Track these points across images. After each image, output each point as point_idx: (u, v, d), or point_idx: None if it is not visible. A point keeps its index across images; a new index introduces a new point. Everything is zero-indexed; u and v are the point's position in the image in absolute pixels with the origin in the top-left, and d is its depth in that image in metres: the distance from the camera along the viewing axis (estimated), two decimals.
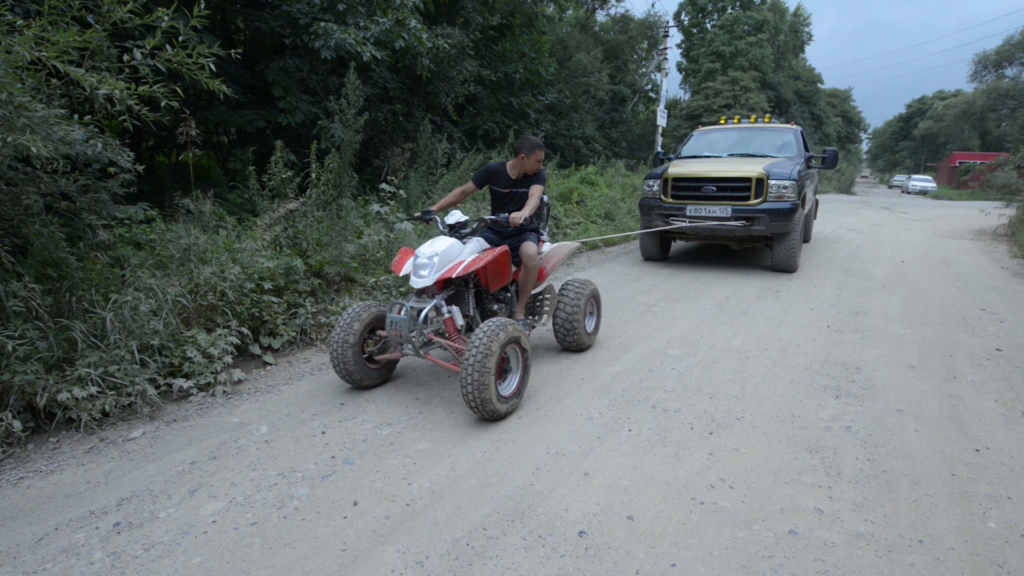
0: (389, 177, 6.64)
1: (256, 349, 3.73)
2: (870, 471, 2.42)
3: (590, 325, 4.00)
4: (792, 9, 42.18)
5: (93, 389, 2.79)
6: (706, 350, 3.97)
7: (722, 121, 8.94)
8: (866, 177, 73.72)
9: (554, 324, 3.84)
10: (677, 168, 6.96)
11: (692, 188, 6.63)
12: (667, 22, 24.78)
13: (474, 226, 3.40)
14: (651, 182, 7.09)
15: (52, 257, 3.02)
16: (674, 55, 38.35)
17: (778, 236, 6.48)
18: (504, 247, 3.36)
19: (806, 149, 7.88)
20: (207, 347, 3.31)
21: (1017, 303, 5.35)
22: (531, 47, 13.31)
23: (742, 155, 7.47)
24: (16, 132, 2.54)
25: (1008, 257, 8.20)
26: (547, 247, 3.89)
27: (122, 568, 1.84)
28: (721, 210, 6.41)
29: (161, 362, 3.16)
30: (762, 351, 3.95)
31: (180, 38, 3.24)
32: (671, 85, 37.08)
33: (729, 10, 37.28)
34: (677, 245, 8.79)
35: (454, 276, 3.05)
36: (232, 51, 3.49)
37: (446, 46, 8.04)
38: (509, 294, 3.67)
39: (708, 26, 38.32)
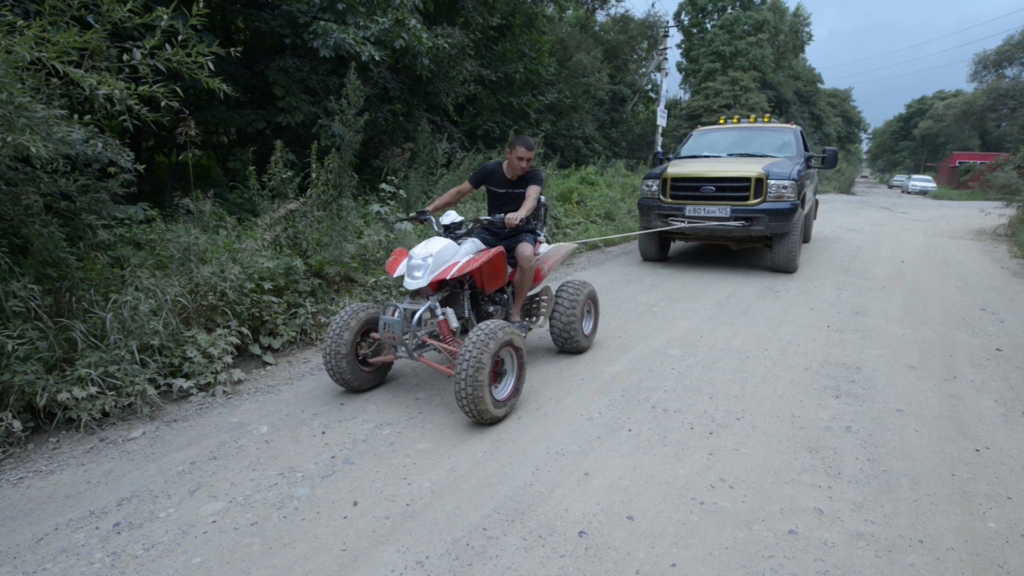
0: (389, 177, 6.64)
1: (256, 349, 3.73)
2: (870, 471, 2.42)
3: (587, 327, 3.98)
4: (792, 9, 42.21)
5: (93, 389, 2.79)
6: (706, 350, 3.97)
7: (721, 121, 8.93)
8: (866, 177, 73.70)
9: (551, 326, 3.81)
10: (676, 168, 6.95)
11: (691, 188, 6.62)
12: (667, 22, 24.82)
13: (469, 227, 3.38)
14: (650, 182, 7.08)
15: (52, 257, 3.02)
16: (674, 55, 38.39)
17: (778, 236, 6.47)
18: (499, 248, 3.33)
19: (806, 149, 7.88)
20: (207, 347, 3.31)
21: (1017, 303, 5.35)
22: (531, 47, 13.31)
23: (741, 155, 7.46)
24: (16, 132, 2.54)
25: (1008, 257, 8.21)
26: (544, 248, 3.86)
27: (122, 568, 1.84)
28: (720, 210, 6.40)
29: (161, 362, 3.16)
30: (762, 351, 3.95)
31: (179, 37, 3.24)
32: (671, 85, 37.11)
33: (729, 10, 37.29)
34: (676, 245, 8.79)
35: (449, 277, 3.02)
36: (232, 50, 3.48)
37: (446, 46, 8.03)
38: (505, 296, 3.65)
39: (708, 26, 38.34)
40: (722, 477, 2.36)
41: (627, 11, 26.00)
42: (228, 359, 3.36)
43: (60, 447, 2.62)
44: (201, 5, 3.23)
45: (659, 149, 10.78)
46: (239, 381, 3.41)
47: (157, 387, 3.06)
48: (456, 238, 3.32)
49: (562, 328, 3.74)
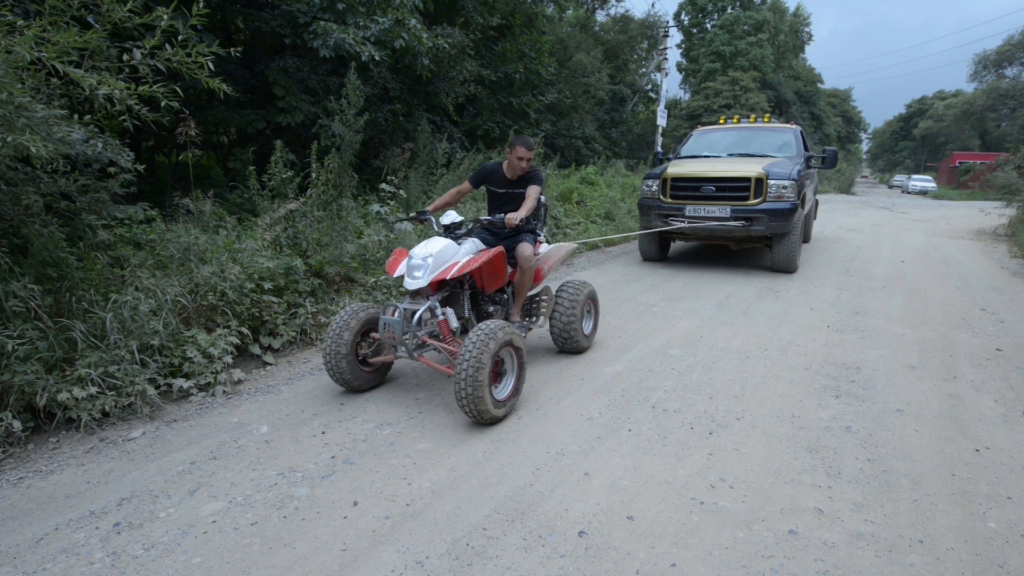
0: (389, 177, 6.65)
1: (256, 349, 3.73)
2: (870, 471, 2.42)
3: (587, 327, 3.97)
4: (792, 9, 42.22)
5: (93, 389, 2.79)
6: (706, 350, 3.97)
7: (721, 121, 8.93)
8: (866, 177, 73.69)
9: (551, 326, 3.80)
10: (676, 168, 6.95)
11: (691, 188, 6.61)
12: (667, 22, 24.75)
13: (469, 227, 3.37)
14: (650, 182, 7.07)
15: (52, 257, 3.02)
16: (674, 55, 38.42)
17: (777, 236, 6.47)
18: (499, 248, 3.33)
19: (806, 149, 7.87)
20: (207, 347, 3.31)
21: (1017, 303, 5.35)
22: (531, 47, 13.31)
23: (741, 155, 7.46)
24: (16, 132, 2.54)
25: (1008, 257, 8.21)
26: (544, 248, 3.85)
27: (122, 568, 1.84)
28: (720, 210, 6.40)
29: (161, 362, 3.16)
30: (762, 351, 3.95)
31: (179, 37, 3.24)
32: (671, 85, 37.13)
33: (729, 10, 37.31)
34: (676, 245, 8.78)
35: (448, 277, 3.02)
36: (232, 50, 3.48)
37: (446, 46, 8.03)
38: (505, 296, 3.64)
39: (708, 26, 38.35)
40: (722, 477, 2.36)
41: (627, 11, 26.01)
42: (228, 359, 3.36)
43: (60, 447, 2.62)
44: (201, 5, 3.23)
45: (659, 149, 10.78)
46: (239, 381, 3.41)
47: (157, 387, 3.06)
48: (456, 238, 3.31)
49: (562, 328, 3.74)
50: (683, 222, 6.65)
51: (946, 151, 47.56)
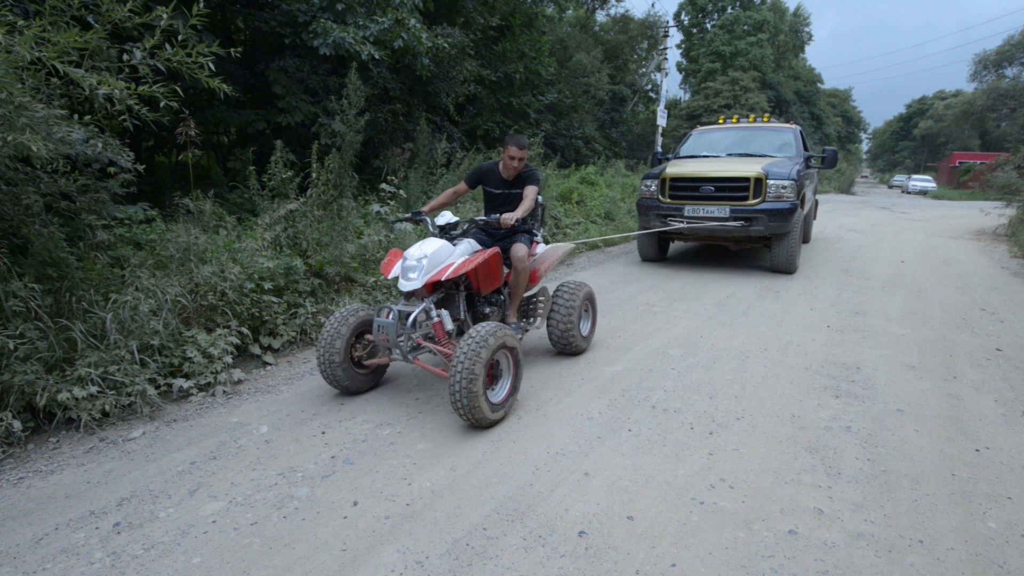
0: (389, 177, 6.65)
1: (256, 349, 3.73)
2: (870, 471, 2.42)
3: (585, 328, 3.95)
4: (792, 9, 42.23)
5: (93, 389, 2.79)
6: (706, 350, 3.97)
7: (720, 121, 8.92)
8: (866, 177, 73.71)
9: (548, 327, 3.77)
10: (675, 168, 6.94)
11: (690, 188, 6.60)
12: (667, 22, 24.76)
13: (465, 227, 3.33)
14: (648, 182, 7.06)
15: (52, 257, 3.02)
16: (674, 55, 38.42)
17: (777, 236, 6.46)
18: (495, 249, 3.29)
19: (805, 149, 7.87)
20: (207, 347, 3.31)
21: (1017, 303, 5.35)
22: (531, 47, 13.31)
23: (741, 155, 7.45)
24: (16, 132, 2.54)
25: (1008, 257, 8.21)
26: (541, 248, 3.82)
27: (122, 568, 1.84)
28: (719, 210, 6.39)
29: (161, 362, 3.16)
30: (762, 351, 3.95)
31: (179, 37, 3.24)
32: (671, 85, 37.13)
33: (729, 10, 37.31)
34: (676, 245, 8.78)
35: (444, 279, 2.98)
36: (232, 50, 3.48)
37: (446, 46, 8.03)
38: (502, 297, 3.60)
39: (708, 26, 38.35)
40: (722, 477, 2.36)
41: (627, 11, 26.01)
42: (228, 359, 3.36)
43: (60, 447, 2.62)
44: (201, 5, 3.23)
45: (659, 149, 10.79)
46: (239, 381, 3.41)
47: (157, 387, 3.06)
48: (452, 239, 3.28)
49: (559, 329, 3.71)
50: (682, 222, 6.63)
51: (946, 151, 47.58)
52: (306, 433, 2.78)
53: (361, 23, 6.77)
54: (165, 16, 3.04)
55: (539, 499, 2.21)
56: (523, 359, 3.01)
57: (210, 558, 1.89)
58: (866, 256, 8.09)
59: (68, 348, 2.90)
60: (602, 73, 19.06)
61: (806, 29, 44.29)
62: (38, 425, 2.73)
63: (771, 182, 6.24)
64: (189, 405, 3.08)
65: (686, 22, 39.86)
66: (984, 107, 39.66)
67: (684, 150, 8.14)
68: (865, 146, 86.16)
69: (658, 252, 7.41)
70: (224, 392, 3.23)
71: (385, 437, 2.73)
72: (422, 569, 1.83)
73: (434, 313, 3.05)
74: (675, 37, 38.37)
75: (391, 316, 2.91)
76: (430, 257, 2.96)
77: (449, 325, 3.11)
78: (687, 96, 37.25)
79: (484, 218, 3.27)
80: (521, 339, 3.53)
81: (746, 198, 6.27)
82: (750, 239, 6.67)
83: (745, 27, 35.48)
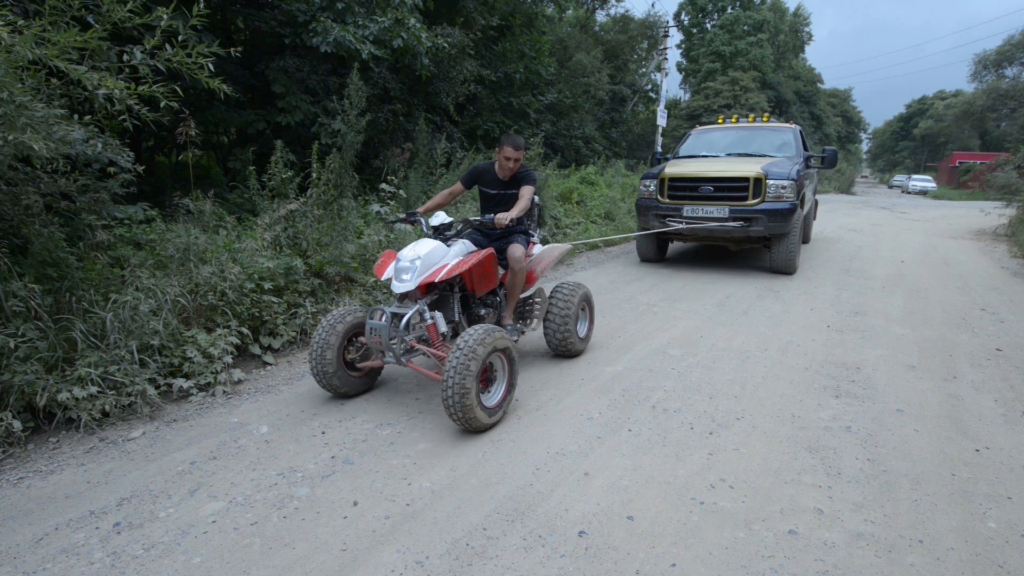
0: (389, 177, 6.65)
1: (256, 349, 3.73)
2: (870, 471, 2.42)
3: (582, 330, 3.93)
4: (792, 9, 42.23)
5: (93, 389, 2.79)
6: (706, 350, 3.97)
7: (720, 120, 8.91)
8: (866, 177, 73.71)
9: (545, 329, 3.74)
10: (674, 168, 6.92)
11: (689, 188, 6.58)
12: (667, 22, 24.77)
13: (459, 228, 3.29)
14: (648, 182, 7.04)
15: (52, 257, 3.02)
16: (674, 55, 38.43)
17: (777, 237, 6.44)
18: (490, 249, 3.25)
19: (805, 149, 7.86)
20: (207, 347, 3.31)
21: (1017, 303, 5.35)
22: (531, 47, 13.31)
23: (740, 155, 7.43)
24: (17, 131, 2.54)
25: (1008, 257, 8.21)
26: (538, 249, 3.78)
27: (122, 568, 1.84)
28: (719, 210, 6.37)
29: (161, 362, 3.16)
30: (762, 351, 3.95)
31: (180, 38, 3.24)
32: (671, 85, 37.14)
33: (729, 10, 37.32)
34: (676, 246, 8.78)
35: (437, 280, 2.93)
36: (232, 50, 3.48)
37: (446, 46, 8.03)
38: (498, 298, 3.56)
39: (708, 26, 38.36)
40: (722, 477, 2.36)
41: (627, 11, 26.01)
42: (228, 359, 3.36)
43: (60, 447, 2.62)
44: (201, 5, 3.22)
45: (658, 149, 10.79)
46: (239, 381, 3.41)
47: (157, 387, 3.06)
48: (446, 240, 3.23)
49: (556, 331, 3.68)
50: (681, 223, 6.61)
51: (946, 151, 47.59)
52: (306, 433, 2.78)
53: (361, 22, 6.77)
54: (165, 17, 3.04)
55: (539, 499, 2.21)
56: (518, 358, 2.99)
57: (210, 558, 1.89)
58: (866, 256, 8.09)
59: (68, 348, 2.90)
60: (602, 73, 19.07)
61: (806, 29, 44.31)
62: (38, 425, 2.73)
63: (771, 182, 6.22)
64: (189, 405, 3.08)
65: (686, 22, 39.87)
66: (984, 107, 39.65)
67: (683, 150, 8.13)
68: (865, 146, 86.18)
69: (657, 252, 7.39)
70: (224, 392, 3.23)
71: (385, 437, 2.73)
72: (422, 569, 1.83)
73: (428, 315, 3.01)
74: (675, 37, 38.42)
75: (383, 318, 2.88)
76: (423, 258, 2.92)
77: (443, 327, 3.07)
78: (687, 96, 37.27)
79: (478, 218, 3.23)
80: (517, 341, 3.51)
81: (745, 198, 6.26)
82: (749, 239, 6.65)
83: (745, 27, 35.49)
